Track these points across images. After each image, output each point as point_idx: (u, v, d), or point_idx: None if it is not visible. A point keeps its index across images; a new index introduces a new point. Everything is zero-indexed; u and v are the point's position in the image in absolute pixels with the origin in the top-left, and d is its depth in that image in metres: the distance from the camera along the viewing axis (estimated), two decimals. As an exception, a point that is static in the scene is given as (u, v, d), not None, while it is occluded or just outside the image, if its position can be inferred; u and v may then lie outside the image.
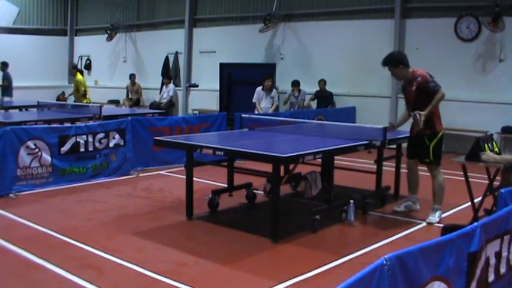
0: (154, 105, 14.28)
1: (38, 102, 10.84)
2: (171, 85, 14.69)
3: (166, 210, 6.08)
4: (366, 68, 11.96)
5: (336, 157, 5.85)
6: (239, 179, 6.28)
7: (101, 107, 9.44)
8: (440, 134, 5.65)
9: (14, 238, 4.84)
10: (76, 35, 18.45)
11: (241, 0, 14.16)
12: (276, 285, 3.90)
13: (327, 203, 5.59)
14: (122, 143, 7.84)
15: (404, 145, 6.35)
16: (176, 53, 15.38)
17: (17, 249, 4.56)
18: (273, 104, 11.48)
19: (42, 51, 17.14)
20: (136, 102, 15.11)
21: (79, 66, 17.48)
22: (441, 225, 5.33)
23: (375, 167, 6.50)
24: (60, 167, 7.06)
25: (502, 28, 10.13)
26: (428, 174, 5.78)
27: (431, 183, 5.77)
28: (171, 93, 14.59)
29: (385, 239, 5.06)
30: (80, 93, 11.31)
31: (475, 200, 5.32)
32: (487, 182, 5.30)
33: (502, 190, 3.34)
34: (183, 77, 15.30)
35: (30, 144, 6.73)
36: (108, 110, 10.69)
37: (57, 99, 16.50)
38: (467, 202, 5.64)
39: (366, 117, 11.33)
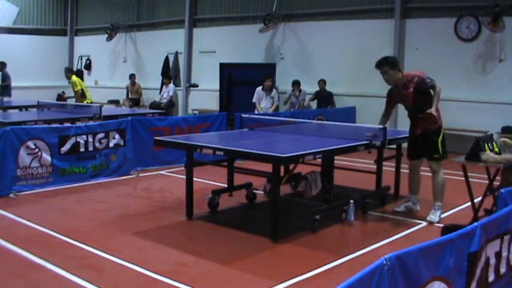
0: (154, 105, 14.28)
1: (38, 102, 10.84)
2: (171, 85, 14.69)
3: (166, 210, 6.08)
4: (366, 68, 11.90)
5: (336, 157, 5.85)
6: (239, 179, 6.28)
7: (101, 107, 9.44)
8: (442, 127, 5.71)
9: (14, 238, 4.84)
10: (76, 35, 18.45)
11: (241, 0, 14.16)
12: (276, 285, 3.90)
13: (327, 203, 5.59)
14: (122, 143, 7.84)
15: (405, 145, 6.36)
16: (176, 53, 15.38)
17: (17, 249, 4.56)
18: (273, 104, 11.48)
19: (42, 51, 17.14)
20: (136, 102, 15.11)
21: (79, 67, 17.55)
22: (441, 225, 5.33)
23: (375, 167, 6.50)
24: (60, 167, 7.06)
25: (502, 28, 10.13)
26: (429, 174, 5.78)
27: (432, 180, 5.77)
28: (171, 93, 14.59)
29: (385, 239, 5.06)
30: (78, 93, 11.31)
31: (475, 200, 5.32)
32: (487, 182, 5.30)
33: (502, 190, 3.35)
34: (183, 77, 15.30)
35: (30, 144, 6.73)
36: (108, 110, 10.69)
37: (58, 97, 16.52)
38: (467, 202, 5.64)
39: (365, 117, 11.32)
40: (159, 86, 15.22)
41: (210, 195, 5.95)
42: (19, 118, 8.52)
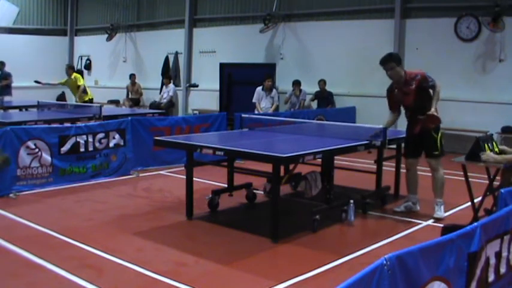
0: (154, 105, 14.28)
1: (38, 102, 10.84)
2: (171, 85, 14.68)
3: (166, 210, 6.08)
4: (366, 68, 11.95)
5: (336, 157, 5.85)
6: (239, 179, 6.28)
7: (101, 107, 9.44)
8: (440, 126, 5.77)
9: (14, 238, 4.84)
10: (76, 35, 18.45)
11: (241, 0, 14.16)
12: (276, 285, 3.90)
13: (327, 203, 5.59)
14: (122, 143, 7.84)
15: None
16: (176, 53, 15.38)
17: (17, 249, 4.55)
18: (273, 104, 11.48)
19: (42, 51, 17.14)
20: (136, 102, 15.11)
21: (79, 67, 17.55)
22: (441, 225, 5.33)
23: (375, 167, 6.50)
24: (60, 167, 7.07)
25: (502, 28, 10.13)
26: (427, 174, 5.78)
27: (432, 178, 5.81)
28: (171, 93, 14.59)
29: (385, 239, 5.06)
30: (81, 88, 11.33)
31: (475, 200, 5.32)
32: (487, 182, 5.30)
33: (502, 190, 3.34)
34: (183, 77, 15.30)
35: (30, 144, 6.73)
36: (108, 110, 10.69)
37: (59, 97, 16.52)
38: (467, 202, 5.64)
39: (365, 117, 11.33)
40: (159, 86, 15.21)
41: (210, 195, 5.95)
42: (19, 118, 8.52)
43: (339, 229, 5.50)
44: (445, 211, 5.91)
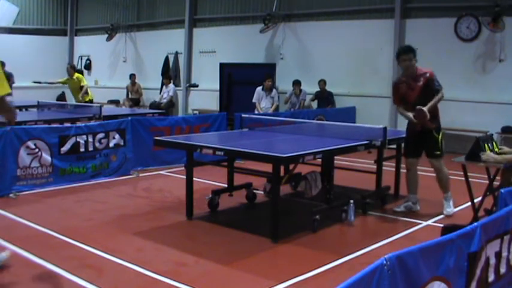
0: (154, 105, 14.28)
1: (38, 102, 10.84)
2: (171, 85, 14.68)
3: (166, 210, 6.08)
4: (366, 68, 11.97)
5: (336, 157, 5.85)
6: (239, 179, 6.28)
7: (101, 107, 9.44)
8: (441, 126, 5.86)
9: (14, 238, 4.83)
10: (76, 35, 18.45)
11: (241, 0, 14.16)
12: (276, 285, 3.90)
13: (327, 203, 5.59)
14: (122, 143, 7.84)
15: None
16: (176, 53, 15.38)
17: (17, 249, 4.55)
18: (273, 104, 11.48)
19: (42, 51, 17.14)
20: (136, 102, 15.11)
21: (79, 67, 17.53)
22: (441, 225, 5.33)
23: (375, 167, 6.50)
24: (60, 167, 7.07)
25: (502, 28, 10.13)
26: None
27: (437, 178, 5.88)
28: (171, 93, 14.59)
29: (385, 239, 5.06)
30: (84, 89, 11.33)
31: (475, 200, 5.32)
32: (487, 182, 5.30)
33: (502, 190, 3.34)
34: (183, 77, 15.30)
35: (30, 144, 6.73)
36: (108, 110, 10.69)
37: (59, 97, 16.51)
38: (467, 202, 5.64)
39: (366, 117, 11.33)
40: (159, 86, 15.21)
41: (210, 195, 5.95)
42: (19, 118, 8.38)
43: (339, 229, 5.50)
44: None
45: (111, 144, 7.70)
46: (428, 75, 5.72)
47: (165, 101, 14.44)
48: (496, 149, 5.16)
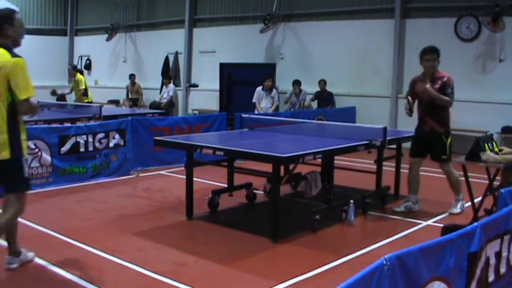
0: (154, 105, 14.28)
1: (38, 102, 10.79)
2: (171, 85, 14.69)
3: (166, 210, 6.08)
4: (366, 68, 11.97)
5: (336, 157, 5.85)
6: (239, 179, 6.28)
7: (101, 107, 9.44)
8: (450, 132, 5.90)
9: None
10: (76, 35, 18.46)
11: (241, 0, 14.16)
12: (276, 285, 3.90)
13: (327, 203, 5.58)
14: (122, 143, 7.85)
15: (405, 145, 6.35)
16: (176, 53, 15.39)
17: (17, 249, 4.55)
18: (273, 104, 11.48)
19: (42, 51, 17.11)
20: (134, 103, 15.11)
21: (79, 67, 17.53)
22: (441, 225, 5.33)
23: (375, 167, 6.50)
24: (60, 167, 7.07)
25: (502, 28, 10.13)
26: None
27: (448, 181, 5.92)
28: (171, 93, 14.59)
29: (385, 239, 5.06)
30: (80, 92, 11.31)
31: (475, 200, 5.33)
32: (487, 182, 5.30)
33: (502, 190, 3.34)
34: (183, 77, 15.30)
35: (30, 144, 6.71)
36: (108, 110, 10.69)
37: (58, 98, 16.47)
38: (467, 202, 5.65)
39: (366, 117, 11.33)
40: (159, 86, 15.22)
41: (210, 195, 5.95)
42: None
43: (339, 229, 5.50)
44: (445, 211, 5.95)
45: (111, 144, 7.70)
46: (446, 79, 5.75)
47: (165, 101, 14.44)
48: (496, 149, 5.16)
